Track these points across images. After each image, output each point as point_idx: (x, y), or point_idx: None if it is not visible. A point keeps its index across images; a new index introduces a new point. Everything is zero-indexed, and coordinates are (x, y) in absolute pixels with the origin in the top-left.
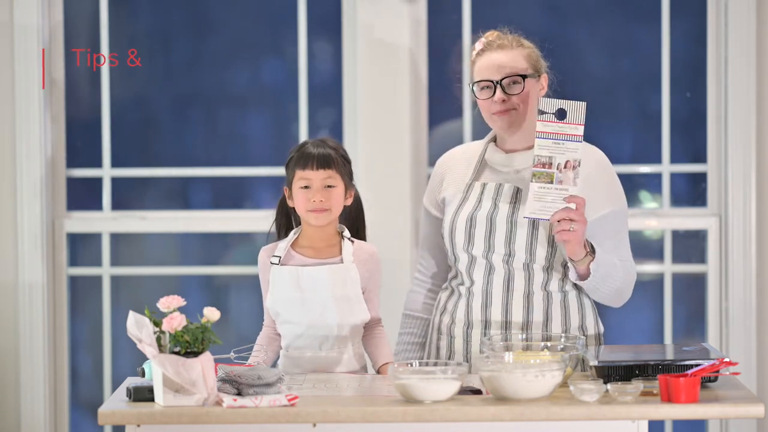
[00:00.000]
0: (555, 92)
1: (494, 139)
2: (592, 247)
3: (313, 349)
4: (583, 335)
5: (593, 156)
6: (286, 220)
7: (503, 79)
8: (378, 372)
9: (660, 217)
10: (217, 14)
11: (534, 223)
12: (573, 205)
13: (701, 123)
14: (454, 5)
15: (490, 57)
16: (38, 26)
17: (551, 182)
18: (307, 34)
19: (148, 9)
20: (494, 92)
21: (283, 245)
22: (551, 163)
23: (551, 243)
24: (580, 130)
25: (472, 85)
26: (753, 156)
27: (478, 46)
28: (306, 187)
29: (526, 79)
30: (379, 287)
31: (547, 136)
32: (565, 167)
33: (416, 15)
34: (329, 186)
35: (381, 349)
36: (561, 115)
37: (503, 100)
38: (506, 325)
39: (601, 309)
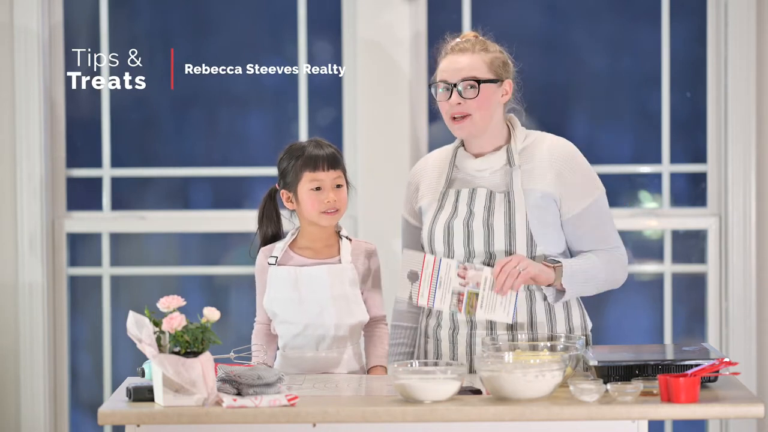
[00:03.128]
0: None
1: (463, 144)
2: (554, 260)
3: (310, 349)
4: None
5: (561, 150)
6: (274, 228)
7: (460, 82)
8: (368, 371)
9: (660, 217)
10: (217, 14)
11: (510, 225)
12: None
13: (701, 123)
14: (454, 5)
15: (451, 59)
16: (38, 27)
17: (477, 294)
18: (307, 34)
19: (148, 9)
20: (450, 95)
21: (281, 246)
22: (463, 292)
23: (530, 242)
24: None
25: (432, 86)
26: (753, 156)
27: (447, 46)
28: (317, 188)
29: (481, 84)
30: (380, 284)
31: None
32: (464, 279)
33: (416, 15)
34: (338, 186)
35: (376, 349)
36: (413, 277)
37: (458, 103)
38: (491, 325)
39: (598, 306)
